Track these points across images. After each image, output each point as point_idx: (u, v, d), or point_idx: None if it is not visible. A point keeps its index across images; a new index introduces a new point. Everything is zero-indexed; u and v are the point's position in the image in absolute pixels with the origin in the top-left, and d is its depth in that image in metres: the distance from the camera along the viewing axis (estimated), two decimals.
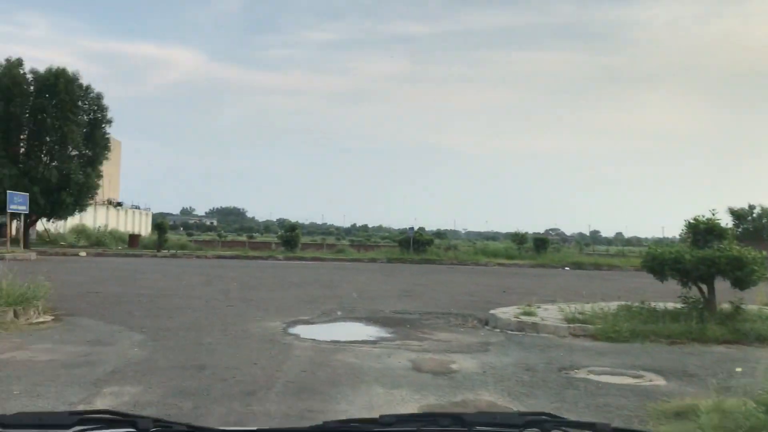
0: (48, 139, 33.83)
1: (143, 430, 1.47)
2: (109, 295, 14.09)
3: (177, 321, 10.84)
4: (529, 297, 16.44)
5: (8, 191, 21.81)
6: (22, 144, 33.77)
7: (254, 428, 1.68)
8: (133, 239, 40.38)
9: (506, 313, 11.88)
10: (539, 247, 37.31)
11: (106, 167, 67.96)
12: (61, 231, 46.36)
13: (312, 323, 11.40)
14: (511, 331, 10.87)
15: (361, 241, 78.19)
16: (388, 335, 10.33)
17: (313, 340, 9.50)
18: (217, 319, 11.25)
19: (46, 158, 34.21)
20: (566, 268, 32.96)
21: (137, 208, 69.84)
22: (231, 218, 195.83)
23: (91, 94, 34.95)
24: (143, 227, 70.11)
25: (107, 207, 60.01)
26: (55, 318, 10.68)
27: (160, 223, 35.61)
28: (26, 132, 33.76)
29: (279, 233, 35.29)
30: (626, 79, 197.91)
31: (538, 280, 23.18)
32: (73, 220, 49.26)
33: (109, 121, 35.71)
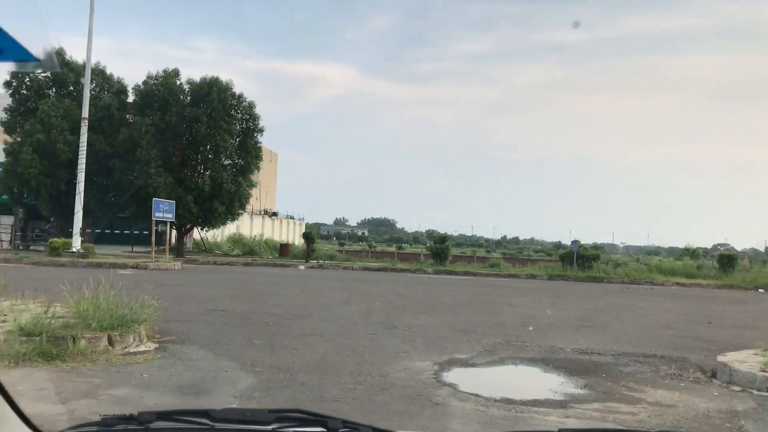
0: (201, 148, 33.68)
1: (333, 430, 1.56)
2: (234, 315, 12.13)
3: (301, 356, 8.48)
4: (746, 331, 12.76)
5: (154, 199, 21.13)
6: (177, 153, 33.82)
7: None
8: (284, 248, 39.62)
9: (743, 361, 8.45)
10: (725, 264, 32.14)
11: (263, 178, 69.17)
12: (219, 240, 46.87)
13: (472, 365, 8.64)
14: (761, 391, 7.52)
15: (513, 255, 74.22)
16: (580, 391, 7.35)
17: (477, 397, 6.73)
18: (351, 354, 8.80)
19: (199, 167, 34.06)
20: (760, 290, 27.89)
21: (291, 218, 70.50)
22: (381, 229, 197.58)
23: (244, 103, 34.43)
24: (296, 236, 70.61)
25: (263, 217, 60.68)
26: (160, 346, 8.69)
27: (308, 233, 34.39)
28: (182, 141, 33.78)
29: (428, 244, 32.72)
30: None
31: (742, 306, 19.00)
32: (229, 229, 49.90)
33: (261, 130, 35.06)
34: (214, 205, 32.68)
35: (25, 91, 32.69)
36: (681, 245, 56.11)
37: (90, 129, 32.71)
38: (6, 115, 32.61)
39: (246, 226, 55.66)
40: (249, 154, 34.73)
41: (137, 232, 43.45)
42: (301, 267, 31.75)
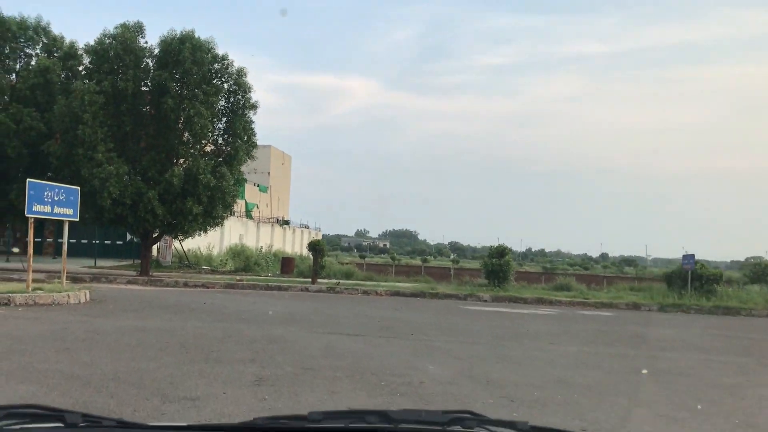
0: (171, 126, 24.06)
1: (72, 425, 1.42)
2: None
3: None
4: None
5: (29, 181, 11.68)
6: (136, 133, 24.18)
7: (184, 424, 1.57)
8: (287, 263, 29.79)
9: None
10: None
11: (275, 183, 59.31)
12: (215, 252, 37.19)
13: None
14: None
15: (549, 269, 64.07)
16: None
17: None
18: None
19: (169, 153, 24.40)
20: None
21: (306, 227, 60.68)
22: (403, 240, 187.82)
23: (230, 69, 24.76)
24: None
25: (272, 225, 50.99)
26: None
27: (315, 244, 24.44)
28: (142, 117, 24.15)
29: (484, 260, 22.60)
30: None
31: None
32: (231, 239, 40.20)
33: (254, 106, 25.23)
34: (187, 205, 22.96)
35: None
36: (719, 258, 45.63)
37: (18, 100, 23.27)
38: None
39: (251, 235, 45.95)
40: (237, 137, 25.01)
41: (107, 241, 33.84)
42: (303, 290, 21.89)
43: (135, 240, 32.43)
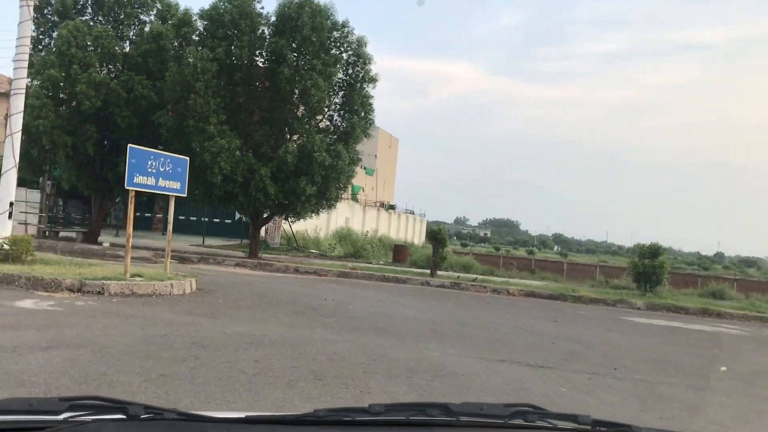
0: (286, 98, 22.07)
1: (134, 416, 1.42)
2: None
3: None
4: None
5: (130, 146, 9.64)
6: (249, 105, 22.30)
7: (243, 414, 1.58)
8: (399, 251, 27.40)
9: None
10: None
11: (381, 166, 57.09)
12: (322, 234, 35.41)
13: None
14: None
15: (696, 271, 58.79)
16: None
17: None
18: None
19: (283, 128, 22.44)
20: None
21: (411, 212, 58.29)
22: (504, 230, 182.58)
23: (349, 37, 22.48)
24: (416, 235, 58.41)
25: (378, 210, 48.91)
26: None
27: (436, 232, 21.86)
28: (256, 88, 22.26)
29: (633, 260, 19.22)
30: None
31: None
32: (337, 221, 38.32)
33: (373, 80, 22.90)
34: (300, 184, 20.92)
35: (49, 11, 22.26)
36: None
37: (130, 67, 21.90)
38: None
39: (357, 218, 44.02)
40: (354, 113, 22.75)
41: (216, 220, 32.65)
42: (424, 284, 19.38)
43: (244, 219, 31.04)
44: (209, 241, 28.49)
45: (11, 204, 11.05)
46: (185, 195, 11.89)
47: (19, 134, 11.17)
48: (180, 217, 32.39)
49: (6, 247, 10.76)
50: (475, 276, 22.76)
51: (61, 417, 1.40)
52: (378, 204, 49.83)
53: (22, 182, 27.24)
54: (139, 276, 10.49)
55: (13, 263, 10.63)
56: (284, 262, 21.49)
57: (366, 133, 23.26)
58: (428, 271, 22.32)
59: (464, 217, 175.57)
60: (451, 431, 1.60)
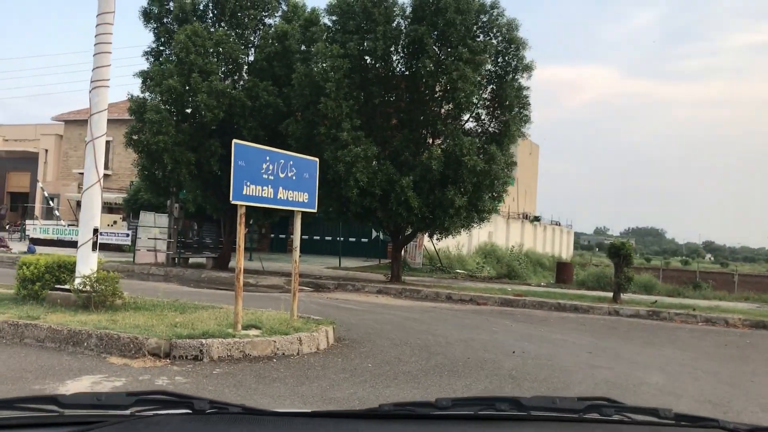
0: (428, 96, 18.68)
1: (199, 411, 1.40)
2: None
3: None
4: None
5: (235, 143, 6.63)
6: (384, 106, 19.10)
7: (308, 410, 1.52)
8: (564, 270, 23.00)
9: None
10: None
11: (521, 174, 52.72)
12: (464, 251, 31.69)
13: None
14: None
15: None
16: None
17: None
18: None
19: (423, 131, 19.04)
20: None
21: (557, 224, 53.13)
22: (648, 239, 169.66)
23: (499, 21, 18.74)
24: (564, 249, 53.15)
25: (522, 222, 44.44)
26: None
27: (618, 247, 17.26)
28: (392, 86, 19.03)
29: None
30: None
31: None
32: (479, 236, 34.42)
33: (528, 68, 18.99)
34: (447, 195, 17.36)
35: (168, 20, 20.28)
36: None
37: (254, 72, 19.45)
38: (148, 62, 20.50)
39: (501, 232, 39.85)
40: (506, 109, 18.92)
41: (352, 239, 29.82)
42: (611, 313, 15.11)
43: (381, 238, 27.96)
44: (345, 262, 25.62)
45: (96, 231, 8.31)
46: (315, 211, 8.65)
47: (103, 140, 8.44)
48: (315, 237, 29.91)
49: (86, 287, 7.98)
50: (658, 297, 18.08)
51: (128, 411, 1.38)
52: (521, 216, 45.37)
53: (148, 206, 25.85)
54: (255, 327, 7.29)
55: (95, 309, 7.82)
56: (432, 287, 17.97)
57: (520, 133, 19.36)
58: (607, 295, 18.01)
59: (604, 227, 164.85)
60: (522, 426, 1.46)
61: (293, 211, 8.22)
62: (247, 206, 7.19)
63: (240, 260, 7.02)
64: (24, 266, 8.28)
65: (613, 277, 17.90)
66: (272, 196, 7.40)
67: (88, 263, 8.26)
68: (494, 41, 18.71)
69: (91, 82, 8.41)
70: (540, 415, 1.47)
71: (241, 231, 7.06)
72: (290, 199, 7.73)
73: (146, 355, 6.31)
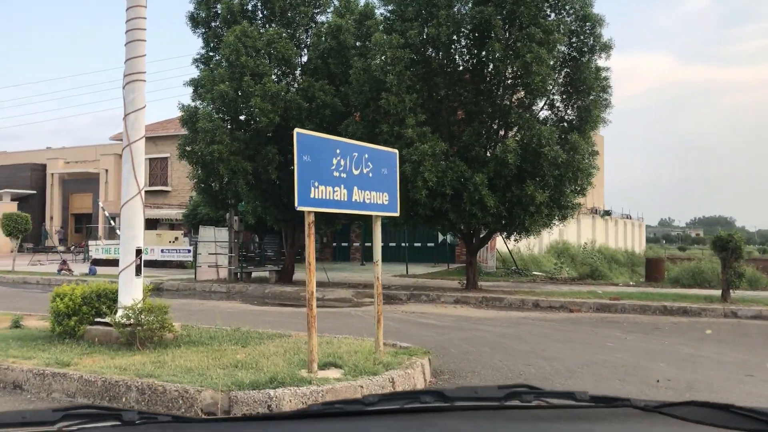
0: (497, 83, 16.88)
1: (129, 422, 1.38)
2: None
3: None
4: None
5: (297, 132, 5.29)
6: (450, 97, 17.40)
7: (238, 415, 1.12)
8: (655, 267, 20.72)
9: None
10: None
11: None
12: (535, 251, 29.67)
13: None
14: None
15: None
16: None
17: None
18: None
19: (494, 122, 17.24)
20: None
21: (627, 217, 50.17)
22: (716, 228, 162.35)
23: None
24: (636, 244, 50.15)
25: (593, 217, 41.92)
26: None
27: (726, 239, 14.99)
28: (457, 74, 17.31)
29: None
30: None
31: None
32: (550, 235, 32.21)
33: (607, 47, 16.98)
34: (527, 191, 15.50)
35: (216, 23, 19.08)
36: None
37: (309, 72, 18.11)
38: (198, 69, 19.35)
39: (571, 229, 37.41)
40: (583, 93, 16.94)
41: (417, 244, 28.21)
42: (728, 315, 12.99)
43: (448, 241, 26.22)
44: (411, 268, 23.97)
45: (139, 252, 6.90)
46: (398, 214, 6.97)
47: (142, 144, 7.02)
48: (366, 244, 28.40)
49: (130, 320, 6.58)
50: None
51: (56, 427, 1.36)
52: (591, 210, 42.82)
53: (208, 220, 24.79)
54: (335, 365, 5.70)
55: (140, 347, 6.40)
56: (514, 294, 16.14)
57: (601, 119, 17.33)
58: (711, 293, 15.87)
59: (669, 218, 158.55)
60: (445, 417, 1.48)
61: (371, 216, 6.62)
62: (316, 213, 5.63)
63: (311, 281, 5.44)
64: (58, 298, 6.92)
65: (720, 274, 15.70)
66: (346, 199, 5.80)
67: (130, 291, 6.86)
68: (567, 19, 16.82)
69: (125, 76, 7.01)
70: (463, 405, 1.49)
71: (310, 243, 5.47)
72: (367, 201, 6.12)
73: (200, 412, 4.80)
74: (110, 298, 7.12)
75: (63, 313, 6.86)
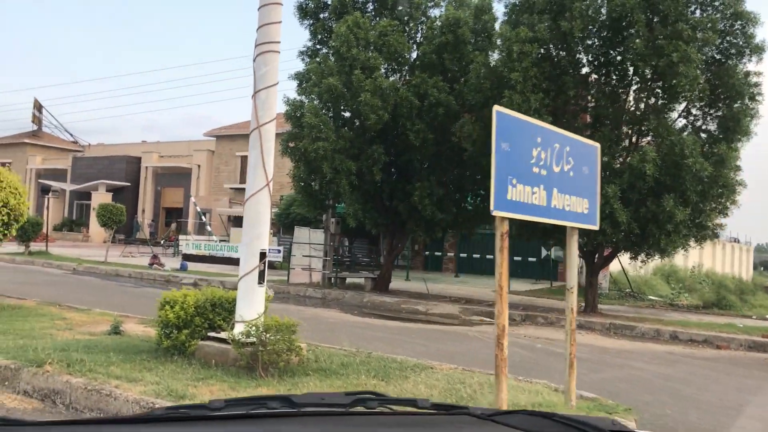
0: (637, 86, 15.06)
1: None
2: None
3: None
4: None
5: (497, 110, 4.02)
6: (575, 101, 15.71)
7: (70, 419, 1.49)
8: None
9: None
10: None
11: None
12: (642, 272, 27.27)
13: None
14: None
15: None
16: None
17: None
18: None
19: (630, 128, 15.38)
20: None
21: (735, 240, 46.43)
22: None
23: None
24: (743, 269, 46.35)
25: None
26: None
27: None
28: (584, 77, 15.59)
29: None
30: None
31: None
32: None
33: (759, 49, 14.87)
34: (665, 207, 13.60)
35: (324, 15, 18.09)
36: None
37: (422, 67, 16.87)
38: (304, 62, 18.40)
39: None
40: (732, 99, 14.88)
41: (517, 258, 26.47)
42: None
43: (552, 257, 24.33)
44: (512, 284, 22.24)
45: (263, 256, 5.70)
46: (597, 227, 5.45)
47: (273, 127, 5.81)
48: (474, 256, 26.85)
49: (251, 338, 5.37)
50: None
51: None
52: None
53: (300, 221, 23.90)
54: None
55: (263, 373, 5.18)
56: (642, 322, 14.27)
57: (749, 126, 15.19)
58: None
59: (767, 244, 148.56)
60: (290, 422, 1.47)
61: (565, 227, 5.16)
62: (509, 219, 4.22)
63: (503, 313, 4.02)
64: (167, 305, 5.80)
65: None
66: (545, 203, 4.35)
67: (252, 302, 5.65)
68: (716, 16, 14.81)
69: (256, 46, 5.84)
70: (309, 411, 1.49)
71: (503, 261, 4.06)
72: (566, 208, 4.63)
73: None
74: (226, 309, 5.96)
75: (173, 324, 5.73)
